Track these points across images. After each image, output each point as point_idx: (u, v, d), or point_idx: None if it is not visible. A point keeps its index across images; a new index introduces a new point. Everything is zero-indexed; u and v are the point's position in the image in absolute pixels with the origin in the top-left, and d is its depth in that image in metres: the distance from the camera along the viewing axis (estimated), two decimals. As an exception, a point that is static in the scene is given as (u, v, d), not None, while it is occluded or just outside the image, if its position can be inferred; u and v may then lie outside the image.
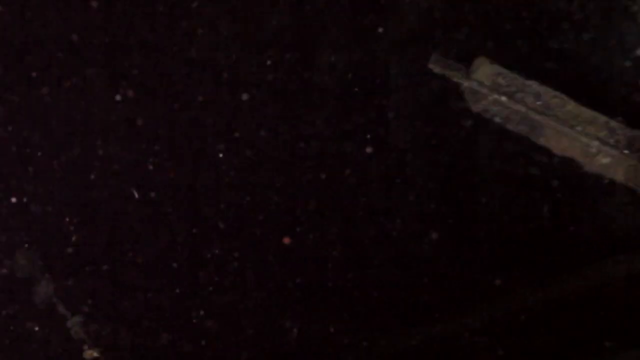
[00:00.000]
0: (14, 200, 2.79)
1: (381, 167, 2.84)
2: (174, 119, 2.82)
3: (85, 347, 2.83)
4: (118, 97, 2.78)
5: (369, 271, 2.87)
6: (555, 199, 2.86)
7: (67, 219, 2.82)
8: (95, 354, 2.83)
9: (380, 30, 2.81)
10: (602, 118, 2.80)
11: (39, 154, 2.80)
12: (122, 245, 2.85)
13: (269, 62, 2.80)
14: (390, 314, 2.88)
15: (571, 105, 2.81)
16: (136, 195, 2.74)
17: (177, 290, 2.86)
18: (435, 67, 2.82)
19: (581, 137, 2.81)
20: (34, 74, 2.77)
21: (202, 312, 2.88)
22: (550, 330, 2.90)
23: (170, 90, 2.80)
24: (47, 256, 2.83)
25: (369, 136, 2.83)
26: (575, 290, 2.88)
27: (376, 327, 2.88)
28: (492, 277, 2.86)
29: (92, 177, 2.80)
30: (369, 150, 2.84)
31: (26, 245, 2.81)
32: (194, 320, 2.86)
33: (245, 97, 2.81)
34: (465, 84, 2.82)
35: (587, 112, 2.81)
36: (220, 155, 2.81)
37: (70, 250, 2.82)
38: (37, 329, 2.83)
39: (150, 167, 2.80)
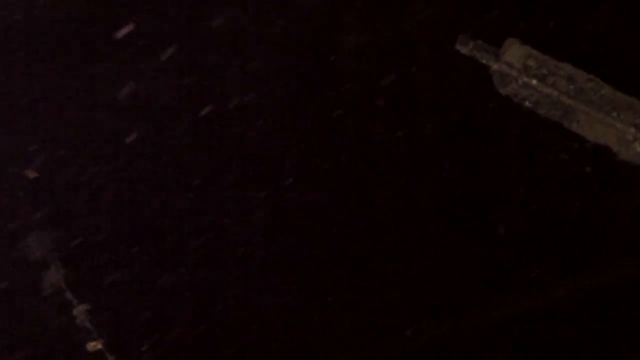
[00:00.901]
0: (29, 182, 2.64)
1: (406, 149, 2.69)
2: (184, 101, 2.66)
3: (90, 338, 2.69)
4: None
5: (390, 258, 2.73)
6: (587, 189, 2.71)
7: (83, 204, 2.68)
8: (99, 346, 2.68)
9: (408, 9, 2.66)
10: (639, 104, 2.65)
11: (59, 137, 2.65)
12: (136, 236, 2.70)
13: (293, 42, 2.65)
14: (416, 305, 2.75)
15: (606, 90, 2.65)
16: (30, 176, 2.59)
17: (187, 286, 2.72)
18: (462, 48, 2.66)
19: (616, 124, 2.65)
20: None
21: (211, 308, 2.73)
22: (580, 324, 2.75)
23: (187, 64, 2.64)
24: (59, 241, 2.68)
25: (394, 118, 2.68)
26: (606, 284, 2.73)
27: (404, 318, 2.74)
28: (520, 268, 2.71)
29: (113, 164, 2.66)
30: (394, 132, 2.68)
31: (39, 228, 2.66)
32: (204, 317, 2.72)
33: (267, 78, 2.66)
34: (494, 66, 2.66)
35: (623, 97, 2.65)
36: (242, 138, 2.66)
37: (83, 237, 2.67)
38: (43, 314, 2.68)
39: (171, 156, 2.66)
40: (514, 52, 2.67)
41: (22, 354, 2.68)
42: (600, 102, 2.66)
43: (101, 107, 2.67)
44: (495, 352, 2.76)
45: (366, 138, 2.71)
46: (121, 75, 2.63)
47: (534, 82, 2.66)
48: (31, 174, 2.59)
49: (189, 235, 2.71)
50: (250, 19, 2.66)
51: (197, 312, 2.72)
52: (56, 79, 2.63)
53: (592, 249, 2.73)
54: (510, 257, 2.73)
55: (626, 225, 2.71)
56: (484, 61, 2.67)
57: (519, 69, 2.66)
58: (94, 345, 2.69)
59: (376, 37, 2.67)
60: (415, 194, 2.73)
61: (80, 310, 2.70)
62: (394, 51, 2.69)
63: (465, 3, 2.68)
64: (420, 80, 2.71)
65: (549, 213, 2.75)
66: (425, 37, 2.69)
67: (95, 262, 2.70)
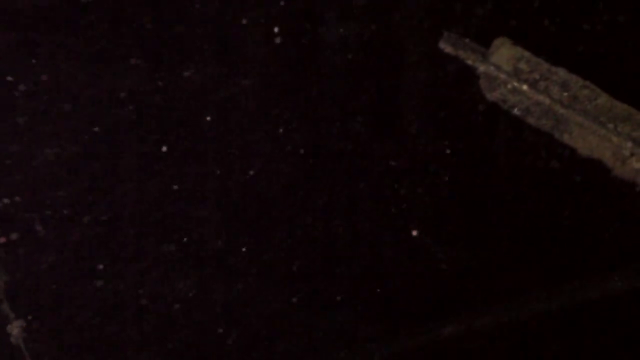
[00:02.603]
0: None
1: (388, 153, 2.43)
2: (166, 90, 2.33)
3: None
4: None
5: (373, 267, 2.48)
6: (578, 207, 2.48)
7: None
8: (31, 372, 2.38)
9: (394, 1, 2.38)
10: (639, 115, 2.42)
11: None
12: (89, 255, 2.38)
13: (274, 33, 2.34)
14: (402, 313, 2.52)
15: (603, 99, 2.42)
16: None
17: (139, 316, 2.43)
18: (447, 47, 2.40)
19: (612, 136, 2.42)
20: None
21: (166, 335, 2.45)
22: (562, 340, 2.56)
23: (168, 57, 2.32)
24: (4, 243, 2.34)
25: (376, 117, 2.42)
26: (589, 299, 2.54)
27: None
28: (503, 278, 2.50)
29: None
30: (375, 133, 2.42)
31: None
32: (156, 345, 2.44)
33: (249, 71, 2.35)
34: (481, 68, 2.41)
35: (621, 107, 2.42)
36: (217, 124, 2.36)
37: (33, 242, 2.34)
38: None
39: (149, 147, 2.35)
40: (504, 53, 2.41)
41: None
42: (595, 112, 2.43)
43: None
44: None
45: (346, 138, 2.44)
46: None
47: (525, 87, 2.41)
48: None
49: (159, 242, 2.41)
50: (232, 10, 2.34)
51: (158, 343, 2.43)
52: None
53: (579, 261, 2.53)
54: (493, 268, 2.52)
55: (615, 242, 2.51)
56: (470, 62, 2.41)
57: (508, 72, 2.41)
58: (24, 371, 2.39)
59: (359, 30, 2.39)
60: (396, 199, 2.48)
61: (15, 326, 2.39)
62: (372, 49, 2.41)
63: (454, -3, 2.40)
64: (399, 82, 2.44)
65: (534, 225, 2.53)
66: (406, 34, 2.41)
67: (42, 272, 2.38)
